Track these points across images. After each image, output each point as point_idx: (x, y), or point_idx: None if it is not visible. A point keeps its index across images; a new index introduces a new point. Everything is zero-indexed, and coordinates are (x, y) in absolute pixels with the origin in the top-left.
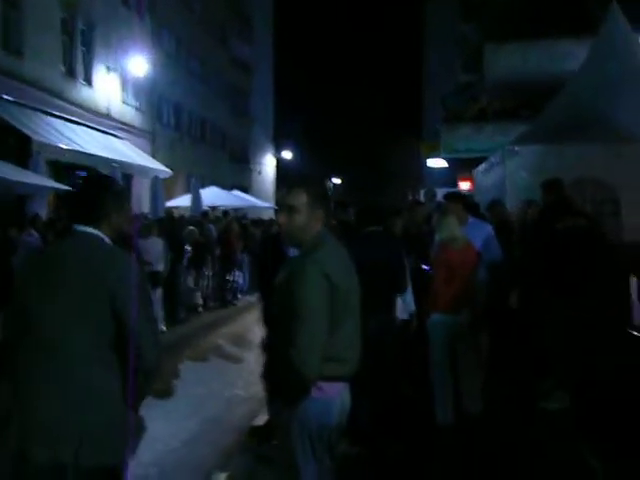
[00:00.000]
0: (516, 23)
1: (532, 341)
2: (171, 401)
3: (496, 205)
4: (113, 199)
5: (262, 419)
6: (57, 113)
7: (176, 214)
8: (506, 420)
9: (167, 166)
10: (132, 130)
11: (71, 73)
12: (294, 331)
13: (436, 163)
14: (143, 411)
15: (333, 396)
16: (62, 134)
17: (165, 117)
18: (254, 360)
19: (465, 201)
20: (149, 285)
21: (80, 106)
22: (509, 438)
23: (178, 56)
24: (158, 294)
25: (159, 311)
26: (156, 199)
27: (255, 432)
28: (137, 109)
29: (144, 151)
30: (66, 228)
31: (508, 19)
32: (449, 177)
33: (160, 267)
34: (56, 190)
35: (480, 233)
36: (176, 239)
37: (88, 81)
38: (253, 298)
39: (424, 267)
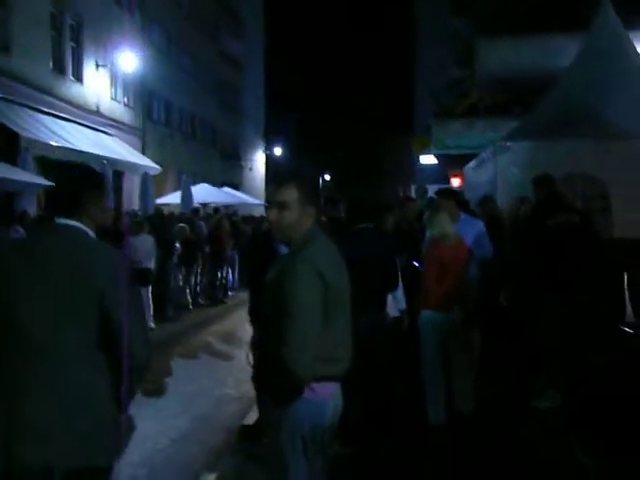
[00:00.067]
0: (508, 18)
1: (525, 338)
2: (160, 399)
3: (487, 201)
4: (92, 190)
5: (252, 418)
6: (46, 110)
7: (166, 211)
8: (498, 418)
9: (157, 163)
10: (122, 127)
11: (60, 69)
12: (285, 330)
13: (428, 160)
14: (133, 410)
15: (326, 398)
16: (51, 131)
17: (155, 113)
18: (244, 358)
19: (457, 197)
20: (137, 282)
21: (69, 102)
22: (501, 436)
23: (168, 52)
24: (148, 291)
25: (149, 309)
26: (146, 196)
27: (245, 431)
28: (127, 105)
29: (134, 148)
30: (41, 220)
31: (500, 14)
32: (440, 173)
33: (150, 264)
34: (45, 187)
35: (471, 229)
36: (165, 236)
37: (77, 77)
38: (243, 295)
39: (415, 264)
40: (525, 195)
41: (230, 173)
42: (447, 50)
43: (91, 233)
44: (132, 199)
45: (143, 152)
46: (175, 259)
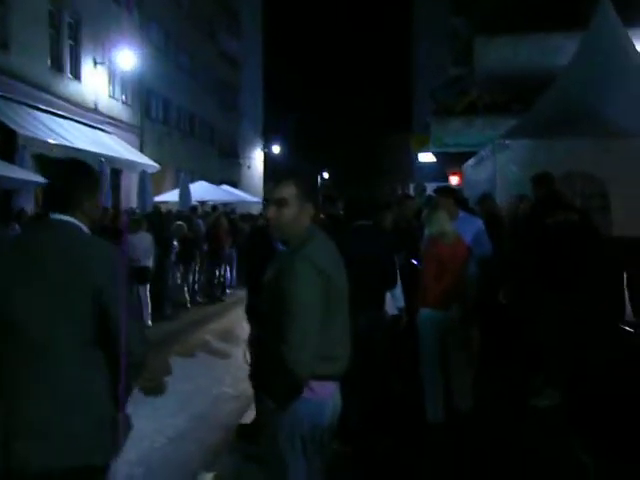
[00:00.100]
0: (507, 16)
1: (524, 336)
2: (158, 398)
3: (486, 199)
4: (85, 185)
5: (250, 416)
6: (44, 107)
7: (164, 209)
8: (497, 416)
9: (155, 161)
10: (120, 124)
11: (58, 67)
12: (285, 328)
13: (426, 158)
14: (130, 408)
15: (325, 397)
16: (49, 128)
17: (153, 111)
18: (242, 356)
19: (456, 195)
20: (135, 280)
21: (67, 100)
22: (500, 434)
23: (167, 50)
24: (146, 290)
25: (147, 307)
26: (144, 194)
27: (243, 430)
28: (125, 103)
29: (132, 146)
30: (38, 217)
31: (499, 12)
32: (439, 172)
33: (148, 262)
34: (42, 185)
35: (470, 227)
36: (163, 234)
37: (75, 75)
38: (241, 293)
39: (414, 262)
40: (524, 193)
41: (228, 171)
42: (446, 49)
43: (85, 228)
44: (130, 197)
45: (141, 150)
46: (173, 257)
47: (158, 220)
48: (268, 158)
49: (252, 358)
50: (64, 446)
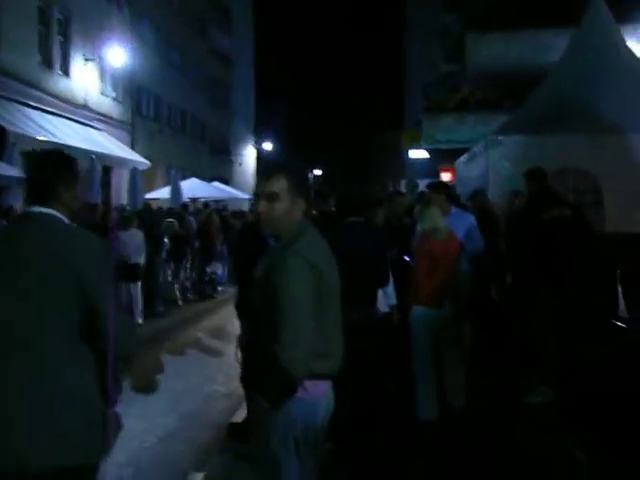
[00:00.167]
0: (499, 13)
1: (518, 331)
2: (148, 396)
3: (478, 195)
4: (64, 175)
5: (241, 415)
6: (33, 104)
7: (154, 206)
8: (489, 413)
9: (146, 158)
10: (110, 121)
11: (48, 63)
12: (278, 326)
13: (417, 154)
14: (119, 407)
15: (319, 397)
16: (39, 125)
17: (144, 108)
18: (234, 355)
19: (448, 191)
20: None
21: (57, 97)
22: (493, 431)
23: (157, 47)
24: (137, 287)
25: (138, 304)
26: (135, 191)
27: (234, 429)
28: (115, 100)
29: (123, 142)
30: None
31: (490, 9)
32: (430, 168)
33: (139, 259)
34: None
35: (463, 223)
36: (154, 231)
37: (65, 71)
38: (233, 290)
39: (406, 258)
40: (517, 189)
41: (220, 168)
42: (437, 46)
43: (66, 220)
44: (121, 194)
45: (132, 147)
46: (164, 254)
47: (149, 217)
48: (260, 155)
49: (242, 360)
50: (52, 444)
